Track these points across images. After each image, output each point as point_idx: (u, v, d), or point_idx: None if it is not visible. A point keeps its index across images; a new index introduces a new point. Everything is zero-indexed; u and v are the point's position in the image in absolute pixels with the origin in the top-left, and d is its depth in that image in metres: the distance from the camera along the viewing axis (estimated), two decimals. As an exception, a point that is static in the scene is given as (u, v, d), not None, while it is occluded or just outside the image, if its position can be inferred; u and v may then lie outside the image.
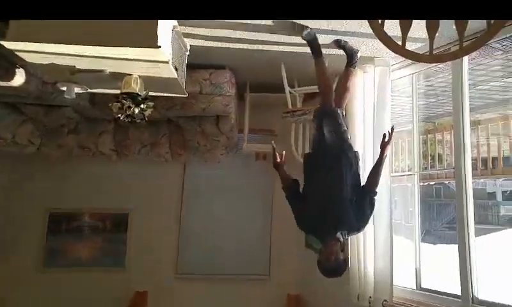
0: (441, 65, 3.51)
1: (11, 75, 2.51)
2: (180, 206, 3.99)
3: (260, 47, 2.86)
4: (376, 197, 2.37)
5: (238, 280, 3.80)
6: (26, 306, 3.75)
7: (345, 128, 2.49)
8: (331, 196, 2.25)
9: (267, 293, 3.82)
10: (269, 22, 2.50)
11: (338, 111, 2.51)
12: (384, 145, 2.40)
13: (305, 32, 2.51)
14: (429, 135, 5.34)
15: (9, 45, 1.98)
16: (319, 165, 2.37)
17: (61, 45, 1.97)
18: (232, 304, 3.79)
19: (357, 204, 2.29)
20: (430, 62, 2.76)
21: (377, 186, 2.39)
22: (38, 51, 2.06)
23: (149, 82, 2.38)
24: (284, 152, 2.52)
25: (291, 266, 3.87)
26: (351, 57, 2.74)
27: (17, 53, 2.12)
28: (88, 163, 3.89)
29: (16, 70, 2.52)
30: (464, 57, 2.68)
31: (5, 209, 3.87)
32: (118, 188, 3.97)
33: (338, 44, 2.71)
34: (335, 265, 2.15)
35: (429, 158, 5.39)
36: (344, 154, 2.37)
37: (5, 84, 2.52)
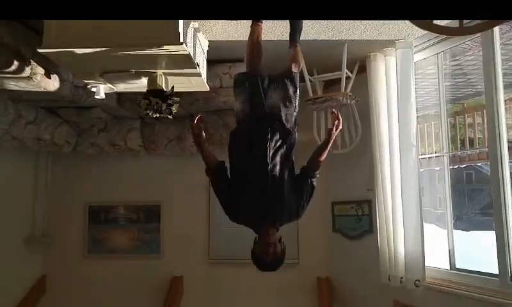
0: (469, 41, 3.39)
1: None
2: (208, 195, 4.11)
3: (276, 37, 2.86)
4: (315, 180, 2.10)
5: (268, 264, 3.89)
6: (73, 288, 4.12)
7: (275, 96, 2.13)
8: (267, 181, 1.96)
9: (296, 277, 3.90)
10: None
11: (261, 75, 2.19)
12: (331, 131, 2.14)
13: None
14: (457, 117, 5.15)
15: (44, 52, 2.13)
16: (248, 144, 2.04)
17: (91, 49, 2.10)
18: (263, 287, 3.89)
19: (296, 188, 2.04)
20: (459, 35, 2.67)
21: (318, 170, 2.12)
22: (70, 56, 2.20)
23: (172, 78, 2.48)
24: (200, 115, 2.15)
25: (319, 250, 3.93)
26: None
27: (52, 59, 2.28)
28: (119, 159, 4.12)
29: (52, 76, 2.69)
30: (495, 31, 2.61)
31: (50, 204, 4.24)
32: (148, 181, 4.19)
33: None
34: (273, 258, 1.96)
35: (459, 142, 5.19)
36: (276, 127, 2.05)
37: (42, 89, 2.69)
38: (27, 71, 2.50)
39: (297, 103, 2.19)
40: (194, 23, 2.41)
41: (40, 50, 2.10)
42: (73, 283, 4.12)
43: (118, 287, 4.04)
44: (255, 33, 2.31)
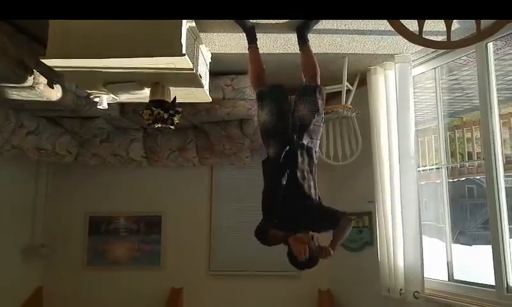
0: (464, 57, 3.44)
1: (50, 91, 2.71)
2: (209, 207, 4.16)
3: (278, 50, 2.91)
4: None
5: (269, 276, 3.89)
6: (71, 300, 4.06)
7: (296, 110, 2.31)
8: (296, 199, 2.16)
9: (298, 289, 3.89)
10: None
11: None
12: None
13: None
14: (456, 131, 5.19)
15: (48, 62, 2.16)
16: (278, 164, 2.20)
17: (94, 59, 2.13)
18: (264, 300, 3.90)
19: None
20: (448, 48, 2.76)
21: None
22: (73, 66, 2.23)
23: (175, 89, 2.51)
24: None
25: (320, 262, 3.89)
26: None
27: (55, 69, 2.31)
28: (121, 169, 4.13)
29: (54, 86, 2.71)
30: (489, 47, 2.67)
31: (49, 214, 4.22)
32: (150, 192, 4.20)
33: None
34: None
35: (458, 156, 5.22)
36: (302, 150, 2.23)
37: (45, 99, 2.72)
38: (30, 80, 2.52)
39: (323, 115, 2.34)
40: (197, 35, 2.45)
41: (43, 60, 2.13)
42: (71, 294, 4.08)
43: (117, 298, 4.01)
44: (253, 55, 2.48)
